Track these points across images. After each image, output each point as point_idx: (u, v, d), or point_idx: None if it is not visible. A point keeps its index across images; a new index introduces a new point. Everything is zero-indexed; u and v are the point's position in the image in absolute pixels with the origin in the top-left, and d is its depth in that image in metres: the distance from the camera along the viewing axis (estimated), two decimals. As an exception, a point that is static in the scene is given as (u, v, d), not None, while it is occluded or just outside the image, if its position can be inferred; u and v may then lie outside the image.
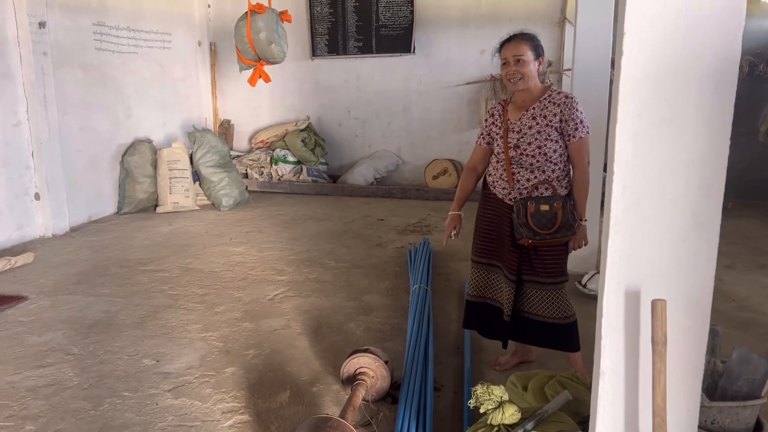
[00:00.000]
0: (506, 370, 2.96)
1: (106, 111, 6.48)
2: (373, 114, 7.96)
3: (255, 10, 4.89)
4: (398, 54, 7.64)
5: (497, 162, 2.78)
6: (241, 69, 5.09)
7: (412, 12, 7.47)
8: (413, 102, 7.79)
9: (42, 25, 5.46)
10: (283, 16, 5.10)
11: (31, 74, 5.40)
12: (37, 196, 5.59)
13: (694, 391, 1.51)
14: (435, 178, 7.59)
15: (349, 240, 5.46)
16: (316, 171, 7.77)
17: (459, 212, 2.94)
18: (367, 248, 5.18)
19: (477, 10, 7.33)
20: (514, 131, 2.70)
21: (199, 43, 8.16)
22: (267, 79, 5.06)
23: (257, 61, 4.95)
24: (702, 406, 1.75)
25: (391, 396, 2.74)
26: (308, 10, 7.86)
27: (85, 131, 6.18)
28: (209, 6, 8.25)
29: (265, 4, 5.04)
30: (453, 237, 2.95)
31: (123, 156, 6.63)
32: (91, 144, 6.27)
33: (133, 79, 6.88)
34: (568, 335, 2.71)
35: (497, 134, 2.78)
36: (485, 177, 2.89)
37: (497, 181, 2.77)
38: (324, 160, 7.96)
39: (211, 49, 8.33)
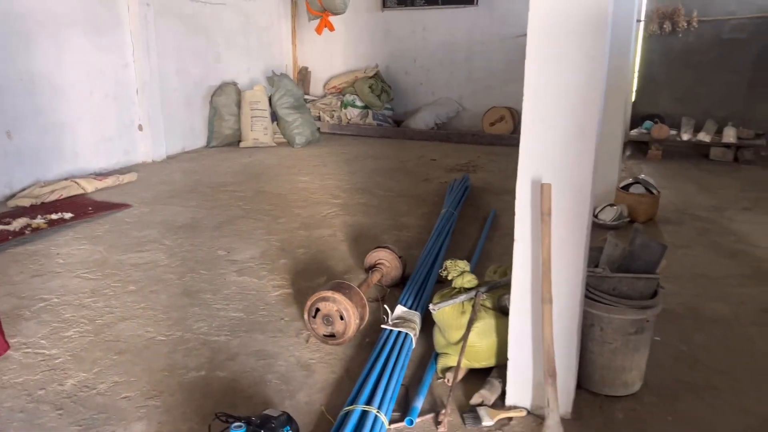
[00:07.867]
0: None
1: (198, 56, 7.39)
2: (437, 63, 8.48)
3: (323, -34, 5.55)
4: (462, 5, 8.08)
5: None
6: (310, 19, 5.81)
7: (477, -35, 7.85)
8: (475, 52, 8.24)
9: (146, -21, 6.35)
10: (348, -29, 5.72)
11: (137, 23, 6.34)
12: (140, 128, 6.62)
13: (578, 254, 2.10)
14: (492, 124, 8.07)
15: (400, 175, 6.14)
16: (381, 115, 8.45)
17: None
18: (414, 182, 5.86)
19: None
20: None
21: (282, -5, 8.89)
22: (332, 29, 5.75)
23: (323, 11, 5.63)
24: (606, 277, 2.33)
25: (403, 284, 3.44)
26: (381, -37, 8.41)
27: (180, 74, 7.13)
28: (291, -40, 8.93)
29: (333, -40, 5.68)
30: None
31: (212, 96, 7.56)
32: (185, 85, 7.23)
33: (222, 28, 7.74)
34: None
35: None
36: None
37: None
38: (389, 106, 8.61)
39: (292, 0, 9.05)
